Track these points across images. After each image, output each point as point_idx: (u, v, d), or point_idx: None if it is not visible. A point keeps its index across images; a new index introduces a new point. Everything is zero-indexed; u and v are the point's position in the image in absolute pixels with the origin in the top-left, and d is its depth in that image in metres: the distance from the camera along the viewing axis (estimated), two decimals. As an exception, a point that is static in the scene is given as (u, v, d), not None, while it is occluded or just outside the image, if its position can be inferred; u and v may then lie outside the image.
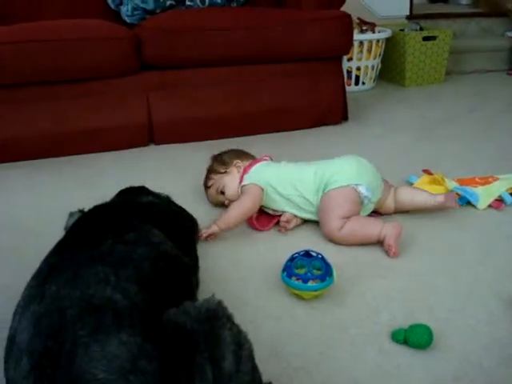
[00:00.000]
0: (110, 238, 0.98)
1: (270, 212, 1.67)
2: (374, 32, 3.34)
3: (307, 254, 1.29)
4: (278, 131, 2.56)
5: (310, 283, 1.22)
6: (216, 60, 2.41)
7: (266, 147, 2.32)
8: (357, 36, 3.22)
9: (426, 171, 1.87)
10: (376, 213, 1.64)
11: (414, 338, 1.06)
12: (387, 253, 1.43)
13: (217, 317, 0.83)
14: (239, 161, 1.76)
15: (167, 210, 1.27)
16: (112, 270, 0.89)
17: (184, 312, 0.83)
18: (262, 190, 1.62)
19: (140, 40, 2.31)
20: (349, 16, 2.49)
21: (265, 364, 0.94)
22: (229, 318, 0.85)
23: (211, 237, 1.56)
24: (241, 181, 1.68)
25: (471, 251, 1.46)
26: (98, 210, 1.16)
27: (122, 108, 2.39)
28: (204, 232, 1.54)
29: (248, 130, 2.53)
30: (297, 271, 1.25)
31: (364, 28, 3.33)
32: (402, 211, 1.67)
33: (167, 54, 2.34)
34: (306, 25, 2.43)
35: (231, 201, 1.67)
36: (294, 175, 1.65)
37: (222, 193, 1.72)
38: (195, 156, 2.21)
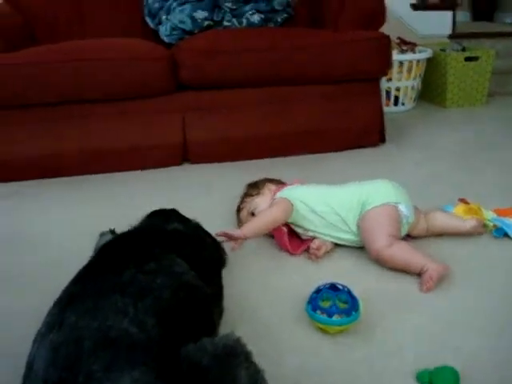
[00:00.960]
0: (131, 268, 0.97)
1: (300, 232, 1.65)
2: (414, 52, 3.29)
3: (333, 286, 1.26)
4: (312, 153, 2.54)
5: (335, 317, 1.19)
6: (252, 81, 2.41)
7: (297, 169, 2.32)
8: (396, 56, 3.18)
9: (463, 200, 1.81)
10: (409, 236, 1.61)
11: (440, 382, 1.01)
12: (421, 286, 1.39)
13: (234, 354, 0.82)
14: (272, 184, 1.75)
15: (193, 237, 1.26)
16: (131, 300, 0.89)
17: (201, 348, 0.82)
18: (292, 204, 1.60)
19: (176, 61, 2.33)
20: (387, 37, 2.46)
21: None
22: (247, 356, 0.83)
23: (234, 244, 1.50)
24: (272, 199, 1.67)
25: (505, 289, 1.39)
26: (123, 237, 1.17)
27: (157, 127, 2.42)
28: (225, 232, 1.48)
29: (282, 151, 2.52)
30: (322, 304, 1.22)
31: (404, 48, 3.29)
32: (434, 235, 1.64)
33: (203, 74, 2.35)
34: (343, 46, 2.41)
35: None
36: (327, 193, 1.65)
37: (253, 214, 1.70)
38: (228, 176, 2.21)
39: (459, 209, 1.77)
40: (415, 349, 1.16)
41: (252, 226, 1.55)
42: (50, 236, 1.79)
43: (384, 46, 2.46)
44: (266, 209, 1.62)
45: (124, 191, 2.17)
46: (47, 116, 2.32)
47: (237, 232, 1.52)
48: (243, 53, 2.34)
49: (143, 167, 2.42)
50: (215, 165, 2.45)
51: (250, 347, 1.15)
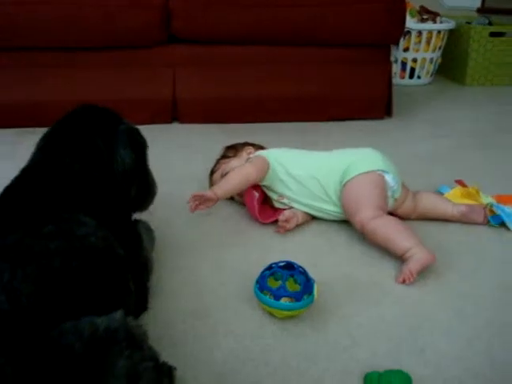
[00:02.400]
0: (19, 231, 0.82)
1: (274, 198, 1.50)
2: (435, 22, 3.05)
3: (289, 265, 1.10)
4: (309, 121, 2.36)
5: (283, 300, 1.03)
6: (250, 37, 2.23)
7: (291, 136, 2.15)
8: (415, 25, 2.96)
9: (460, 182, 1.63)
10: (393, 215, 1.42)
11: (386, 388, 0.86)
12: (398, 275, 1.21)
13: (114, 340, 0.67)
14: (252, 148, 1.60)
15: (108, 183, 1.05)
16: (9, 266, 0.74)
17: (76, 330, 0.67)
18: (268, 163, 1.45)
19: (170, 10, 2.16)
20: (402, 1, 2.25)
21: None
22: (131, 343, 0.68)
23: (203, 205, 1.38)
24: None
25: (489, 286, 1.20)
26: (21, 191, 0.98)
27: (146, 81, 2.27)
28: (195, 194, 1.37)
29: (277, 117, 2.36)
30: (270, 284, 1.07)
31: (424, 17, 3.05)
32: (423, 218, 1.47)
33: (197, 26, 2.18)
34: (353, 5, 2.20)
35: None
36: (307, 156, 1.50)
37: None
38: (215, 139, 2.05)
39: (456, 192, 1.59)
40: (371, 346, 1.00)
41: (224, 185, 1.41)
42: None
43: (397, 10, 2.25)
44: (239, 166, 1.47)
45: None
46: (31, 62, 2.21)
47: (207, 193, 1.38)
48: (242, 6, 2.16)
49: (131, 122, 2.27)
50: (204, 126, 2.30)
51: (184, 327, 1.04)
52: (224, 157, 1.62)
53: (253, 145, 1.64)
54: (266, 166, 1.44)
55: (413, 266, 1.19)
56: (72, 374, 0.62)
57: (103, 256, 0.86)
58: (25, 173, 1.02)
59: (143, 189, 1.19)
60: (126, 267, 0.91)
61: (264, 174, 1.44)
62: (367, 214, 1.30)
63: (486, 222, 1.45)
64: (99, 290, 0.81)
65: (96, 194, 1.00)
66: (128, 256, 0.95)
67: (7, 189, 0.98)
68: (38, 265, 0.75)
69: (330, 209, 1.43)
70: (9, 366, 0.61)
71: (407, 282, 1.18)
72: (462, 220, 1.45)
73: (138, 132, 1.17)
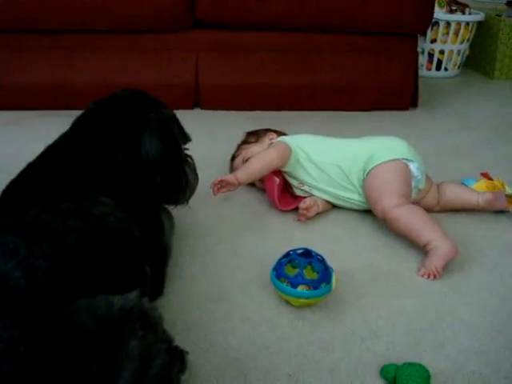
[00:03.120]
0: (38, 207, 0.81)
1: (295, 184, 1.47)
2: (464, 13, 2.98)
3: (306, 252, 1.08)
4: (334, 109, 2.33)
5: (300, 288, 1.01)
6: (275, 23, 2.19)
7: (315, 125, 2.12)
8: (444, 16, 2.89)
9: (485, 175, 1.59)
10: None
11: (404, 380, 0.83)
12: (421, 269, 1.18)
13: (128, 320, 0.66)
14: (274, 134, 1.57)
15: (133, 168, 1.04)
16: (26, 241, 0.73)
17: (90, 308, 0.66)
18: (291, 149, 1.43)
19: (194, -6, 2.14)
20: (431, -10, 2.20)
21: (220, 376, 0.84)
22: (146, 324, 0.67)
23: (224, 188, 1.38)
24: None
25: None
26: (41, 169, 0.98)
27: (168, 66, 2.24)
28: (218, 180, 1.37)
29: (301, 105, 2.32)
30: (287, 272, 1.05)
31: (453, 8, 2.98)
32: (447, 209, 1.43)
33: (222, 11, 2.15)
34: (379, -7, 2.15)
35: None
36: (331, 143, 1.47)
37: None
38: (237, 125, 2.02)
39: (481, 184, 1.55)
40: (389, 338, 0.98)
41: (246, 170, 1.40)
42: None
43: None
44: (261, 151, 1.45)
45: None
46: (56, 44, 2.19)
47: (229, 177, 1.38)
48: (268, -10, 2.12)
49: (152, 107, 2.26)
50: (226, 112, 2.27)
51: (199, 312, 1.02)
52: (245, 142, 1.60)
53: (275, 131, 1.62)
54: (288, 152, 1.42)
55: (438, 262, 1.16)
56: (84, 352, 0.61)
57: (119, 236, 0.85)
58: (48, 150, 1.02)
59: (171, 181, 1.17)
60: (142, 250, 0.90)
61: (286, 160, 1.42)
62: (390, 202, 1.27)
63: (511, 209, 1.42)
64: (114, 270, 0.80)
65: (118, 176, 0.99)
66: (147, 240, 0.93)
67: (29, 165, 0.98)
68: (54, 241, 0.74)
69: (353, 197, 1.40)
70: (22, 342, 0.60)
71: (431, 278, 1.15)
72: (487, 208, 1.41)
73: (172, 122, 1.14)
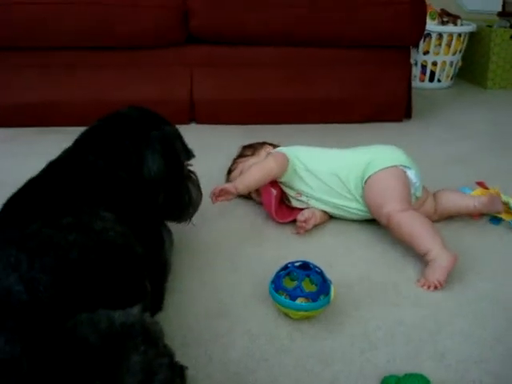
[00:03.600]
0: (39, 221, 0.81)
1: (292, 195, 1.47)
2: (455, 25, 3.01)
3: (305, 265, 1.08)
4: (328, 122, 2.34)
5: (299, 301, 1.01)
6: (269, 38, 2.21)
7: (311, 138, 2.09)
8: (436, 27, 2.93)
9: (481, 184, 1.60)
10: None
11: (405, 392, 0.83)
12: (421, 280, 1.17)
13: (130, 335, 0.66)
14: (270, 147, 1.58)
15: (134, 183, 1.04)
16: (27, 256, 0.73)
17: (92, 322, 0.66)
18: (288, 159, 1.43)
19: (188, 10, 2.15)
20: (423, 2, 2.22)
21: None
22: (147, 339, 0.67)
23: (222, 196, 1.38)
24: None
25: (511, 288, 1.17)
26: (44, 182, 0.98)
27: (163, 82, 2.26)
28: (216, 188, 1.37)
29: (296, 118, 2.34)
30: (286, 284, 1.05)
31: (445, 19, 3.01)
32: (445, 217, 1.44)
33: (215, 26, 2.17)
34: (373, 7, 2.18)
35: None
36: (328, 153, 1.48)
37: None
38: (233, 140, 2.02)
39: (477, 193, 1.55)
40: (389, 350, 0.98)
41: (245, 179, 1.40)
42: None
43: (418, 11, 2.22)
44: (260, 161, 1.46)
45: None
46: (49, 62, 2.21)
47: (228, 186, 1.38)
48: (261, 6, 2.14)
49: (147, 123, 2.26)
50: (222, 127, 2.28)
51: (199, 327, 1.02)
52: (242, 156, 1.60)
53: (271, 144, 1.63)
54: (286, 161, 1.42)
55: (440, 274, 1.15)
56: (87, 366, 0.61)
57: (120, 251, 0.85)
58: (49, 166, 1.03)
59: (174, 198, 1.17)
60: (142, 265, 0.90)
61: (284, 169, 1.42)
62: (395, 207, 1.28)
63: (503, 209, 1.44)
64: (115, 285, 0.80)
65: (118, 192, 0.99)
66: (147, 256, 0.94)
67: (31, 179, 0.98)
68: (55, 256, 0.75)
69: (351, 206, 1.41)
70: (24, 356, 0.60)
71: (431, 289, 1.15)
72: (484, 211, 1.42)
73: (174, 139, 1.14)
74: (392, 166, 1.35)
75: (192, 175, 1.24)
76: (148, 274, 0.91)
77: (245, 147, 1.64)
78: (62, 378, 0.61)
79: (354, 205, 1.40)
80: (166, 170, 1.08)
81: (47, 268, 0.72)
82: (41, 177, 0.99)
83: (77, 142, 1.08)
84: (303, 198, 1.45)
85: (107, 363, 0.63)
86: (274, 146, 1.61)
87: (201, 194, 1.26)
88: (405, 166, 1.36)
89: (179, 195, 1.18)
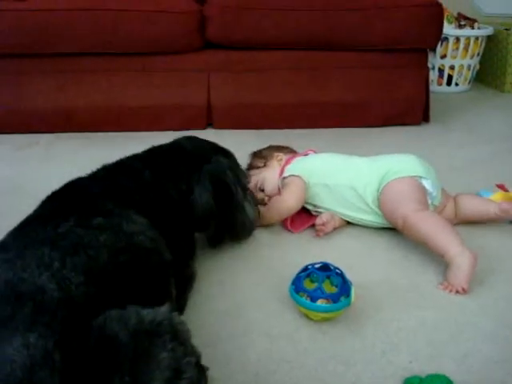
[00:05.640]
0: (71, 220, 0.84)
1: (310, 208, 1.47)
2: (473, 28, 3.00)
3: (325, 266, 1.08)
4: (346, 127, 2.34)
5: (319, 302, 1.01)
6: (285, 42, 2.22)
7: (328, 143, 2.12)
8: (453, 31, 2.91)
9: (501, 187, 1.58)
10: None
11: (428, 392, 0.82)
12: (444, 283, 1.16)
13: (158, 333, 0.67)
14: (280, 154, 1.57)
15: (168, 193, 1.09)
16: (60, 254, 0.75)
17: (122, 319, 0.67)
18: (305, 183, 1.43)
19: (205, 16, 2.17)
20: (439, 5, 2.21)
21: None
22: (176, 337, 0.68)
23: None
24: (281, 173, 1.50)
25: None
26: (78, 184, 1.02)
27: (180, 87, 2.27)
28: None
29: (313, 123, 2.34)
30: (306, 286, 1.05)
31: (462, 23, 3.00)
32: (465, 222, 1.42)
33: (232, 32, 2.18)
34: (389, 10, 2.18)
35: (271, 197, 1.49)
36: (342, 163, 1.47)
37: (262, 190, 1.53)
38: (253, 144, 2.03)
39: (497, 196, 1.54)
40: (411, 351, 0.97)
41: (263, 221, 1.42)
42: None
43: (435, 14, 2.22)
44: (280, 197, 1.44)
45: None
46: (67, 68, 2.23)
47: None
48: (277, 11, 2.15)
49: (166, 128, 2.27)
50: (239, 132, 2.28)
51: (218, 327, 1.02)
52: (253, 167, 1.59)
53: (281, 149, 1.62)
54: (304, 190, 1.43)
55: (463, 280, 1.13)
56: (116, 362, 0.63)
57: (149, 256, 0.87)
58: (99, 169, 1.09)
59: (225, 226, 1.24)
60: (169, 271, 0.92)
61: (304, 199, 1.43)
62: (410, 207, 1.27)
63: None
64: (142, 288, 0.82)
65: (161, 202, 1.05)
66: (176, 263, 0.96)
67: (76, 179, 1.04)
68: (87, 256, 0.77)
69: (369, 219, 1.40)
70: (57, 350, 0.62)
71: (453, 292, 1.14)
72: (505, 218, 1.39)
73: (225, 172, 1.20)
74: (407, 177, 1.34)
75: (248, 196, 1.28)
76: (174, 281, 0.93)
77: (255, 155, 1.63)
78: (93, 372, 0.62)
79: (371, 217, 1.40)
80: (215, 205, 1.15)
81: (79, 267, 0.75)
82: (83, 178, 1.04)
83: (132, 156, 1.15)
84: (321, 210, 1.45)
85: (137, 359, 0.64)
86: (285, 151, 1.60)
87: (258, 212, 1.33)
88: (420, 177, 1.35)
89: (231, 223, 1.23)
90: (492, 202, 1.42)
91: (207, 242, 1.29)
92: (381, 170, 1.38)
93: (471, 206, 1.41)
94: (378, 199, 1.36)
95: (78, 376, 0.62)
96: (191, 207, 1.12)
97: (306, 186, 1.43)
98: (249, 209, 1.26)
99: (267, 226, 1.44)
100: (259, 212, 1.36)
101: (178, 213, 1.08)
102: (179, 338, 0.69)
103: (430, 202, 1.35)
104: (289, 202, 1.42)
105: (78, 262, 0.76)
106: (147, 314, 0.69)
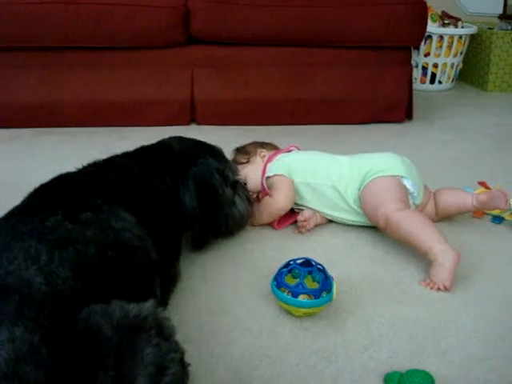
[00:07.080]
0: (59, 214, 0.83)
1: (293, 206, 1.46)
2: (456, 27, 3.01)
3: (307, 262, 1.08)
4: (329, 124, 2.34)
5: (301, 298, 1.01)
6: (269, 38, 2.22)
7: (311, 140, 2.11)
8: (437, 29, 2.93)
9: (483, 184, 1.59)
10: None
11: (408, 387, 0.82)
12: (427, 281, 1.16)
13: (143, 328, 0.66)
14: (264, 150, 1.57)
15: (159, 191, 1.09)
16: (47, 248, 0.74)
17: (105, 313, 0.66)
18: (292, 181, 1.43)
19: (189, 11, 2.15)
20: (423, 3, 2.22)
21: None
22: (160, 332, 0.67)
23: None
24: (264, 170, 1.49)
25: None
26: (68, 178, 1.01)
27: (164, 82, 2.26)
28: None
29: (296, 119, 2.34)
30: (288, 281, 1.04)
31: (446, 22, 3.01)
32: (445, 217, 1.43)
33: (216, 27, 2.17)
34: (373, 8, 2.19)
35: (253, 193, 1.48)
36: (325, 162, 1.45)
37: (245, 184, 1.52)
38: (236, 140, 2.02)
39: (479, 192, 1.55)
40: (392, 346, 0.97)
41: (255, 221, 1.42)
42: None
43: (419, 11, 2.23)
44: (269, 199, 1.43)
45: (124, 146, 2.00)
46: (50, 62, 2.21)
47: None
48: (261, 6, 2.15)
49: (149, 123, 2.26)
50: (223, 128, 2.27)
51: (200, 323, 1.01)
52: (237, 163, 1.57)
53: (264, 145, 1.61)
54: (293, 190, 1.43)
55: (446, 276, 1.13)
56: (101, 356, 0.62)
57: (136, 254, 0.87)
58: (87, 166, 1.09)
59: (212, 224, 1.24)
60: (155, 271, 0.91)
61: (294, 199, 1.43)
62: (391, 206, 1.26)
63: (508, 207, 1.38)
64: (127, 285, 0.81)
65: (149, 202, 1.05)
66: (161, 263, 0.95)
67: (66, 173, 1.04)
68: (75, 250, 0.76)
69: (352, 218, 1.40)
70: (43, 344, 0.61)
71: (436, 289, 1.14)
72: (484, 208, 1.39)
73: (212, 173, 1.21)
74: (388, 176, 1.34)
75: (239, 190, 1.29)
76: (159, 281, 0.92)
77: (238, 151, 1.62)
78: (78, 366, 0.61)
79: (353, 217, 1.40)
80: (200, 207, 1.17)
81: (67, 261, 0.74)
82: (73, 172, 1.04)
83: (121, 154, 1.17)
84: (302, 208, 1.45)
85: (120, 354, 0.63)
86: (268, 147, 1.59)
87: (251, 206, 1.33)
88: (401, 176, 1.35)
89: (215, 226, 1.24)
90: (470, 193, 1.41)
91: (191, 243, 1.28)
92: (362, 170, 1.38)
93: (449, 198, 1.41)
94: (360, 199, 1.36)
95: (63, 370, 0.61)
96: (179, 208, 1.13)
97: (292, 185, 1.43)
98: (240, 203, 1.27)
99: (258, 226, 1.43)
100: (251, 208, 1.36)
101: (165, 213, 1.08)
102: (164, 334, 0.68)
103: (411, 201, 1.35)
104: (280, 204, 1.41)
105: (66, 257, 0.75)
106: (132, 308, 0.69)
